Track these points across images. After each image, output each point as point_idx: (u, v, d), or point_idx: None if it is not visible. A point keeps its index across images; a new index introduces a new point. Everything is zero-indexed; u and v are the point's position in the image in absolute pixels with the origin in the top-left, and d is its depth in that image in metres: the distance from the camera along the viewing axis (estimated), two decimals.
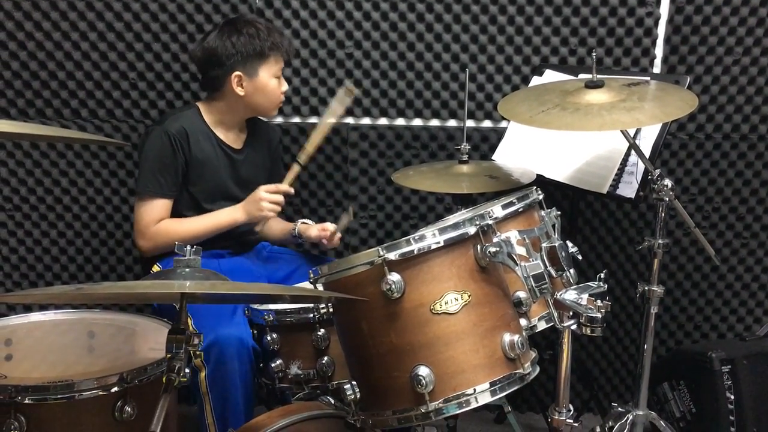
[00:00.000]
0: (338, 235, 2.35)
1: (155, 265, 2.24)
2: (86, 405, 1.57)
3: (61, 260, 2.79)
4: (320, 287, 1.56)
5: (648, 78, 2.16)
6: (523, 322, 1.61)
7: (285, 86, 2.33)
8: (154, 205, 2.21)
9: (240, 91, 2.24)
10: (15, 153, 2.70)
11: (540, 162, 2.35)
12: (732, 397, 2.35)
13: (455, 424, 2.11)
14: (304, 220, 2.45)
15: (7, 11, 2.59)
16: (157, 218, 2.21)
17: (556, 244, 1.57)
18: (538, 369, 1.55)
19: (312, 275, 1.57)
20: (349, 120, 2.69)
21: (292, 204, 2.71)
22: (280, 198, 2.25)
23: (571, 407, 1.62)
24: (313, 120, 2.70)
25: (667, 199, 2.03)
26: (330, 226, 2.36)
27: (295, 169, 2.31)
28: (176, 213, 2.26)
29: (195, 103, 2.35)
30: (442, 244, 1.46)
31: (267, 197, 2.22)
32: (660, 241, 2.09)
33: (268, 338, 1.95)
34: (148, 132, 2.26)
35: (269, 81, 2.27)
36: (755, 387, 2.38)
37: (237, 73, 2.22)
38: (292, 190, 2.29)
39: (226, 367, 1.94)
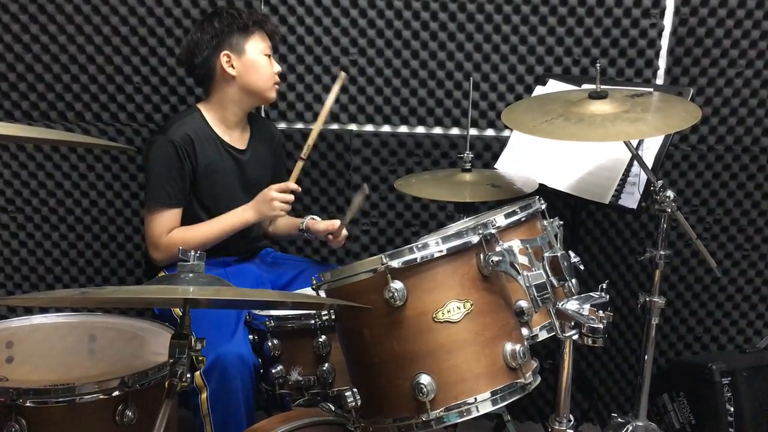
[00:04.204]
0: (344, 232, 2.34)
1: (161, 272, 2.24)
2: (87, 409, 1.57)
3: (62, 263, 2.79)
4: (323, 294, 1.56)
5: (651, 89, 2.17)
6: (524, 331, 1.61)
7: (277, 67, 2.33)
8: (164, 216, 2.20)
9: (231, 71, 2.24)
10: (18, 155, 2.70)
11: (542, 171, 2.35)
12: (732, 409, 2.35)
13: None
14: (312, 216, 2.45)
15: (13, 14, 2.60)
16: (168, 228, 2.21)
17: (559, 254, 1.57)
18: (539, 379, 1.55)
19: (315, 282, 1.57)
20: (352, 127, 2.70)
21: (295, 210, 2.71)
22: (291, 197, 2.25)
23: (571, 417, 1.62)
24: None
25: (669, 210, 2.03)
26: (337, 222, 2.35)
27: (299, 165, 2.31)
28: (188, 220, 2.25)
29: (196, 105, 2.35)
30: (445, 252, 1.47)
31: (278, 196, 2.22)
32: (662, 252, 2.09)
33: (269, 344, 1.95)
34: (152, 141, 2.24)
35: (258, 57, 2.27)
36: (755, 399, 2.38)
37: (225, 52, 2.23)
38: (299, 188, 2.29)
39: (228, 386, 1.93)
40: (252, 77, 2.27)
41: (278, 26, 2.53)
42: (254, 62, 2.26)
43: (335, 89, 2.36)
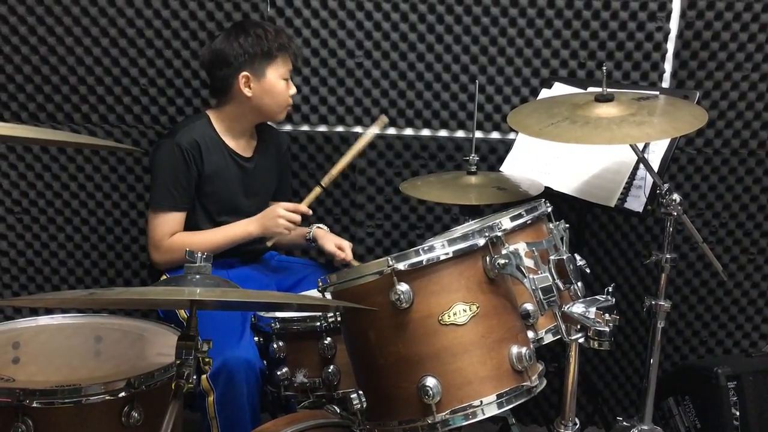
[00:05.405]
0: (351, 256, 2.37)
1: (163, 275, 2.25)
2: (93, 410, 1.58)
3: (68, 264, 2.79)
4: (328, 296, 1.57)
5: (657, 92, 2.17)
6: (530, 334, 1.61)
7: (293, 89, 2.33)
8: (168, 219, 2.21)
9: (248, 92, 2.24)
10: (25, 156, 2.71)
11: (548, 174, 2.35)
12: (737, 413, 2.34)
13: None
14: (319, 225, 2.46)
15: (21, 16, 2.61)
16: (171, 232, 2.21)
17: (565, 257, 1.58)
18: (545, 382, 1.55)
19: (320, 284, 1.58)
20: (358, 129, 2.70)
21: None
22: (297, 218, 2.26)
23: (576, 421, 1.61)
24: (321, 129, 2.71)
25: (675, 213, 2.02)
26: (347, 249, 2.36)
27: (317, 191, 2.34)
28: (190, 225, 2.26)
29: (205, 111, 2.36)
30: (451, 255, 1.47)
31: (285, 215, 2.23)
32: (667, 256, 2.09)
33: (275, 346, 1.95)
34: (159, 144, 2.26)
35: (277, 82, 2.27)
36: (761, 403, 2.37)
37: (245, 73, 2.22)
38: (310, 212, 2.31)
39: (234, 391, 1.94)
40: (266, 101, 2.27)
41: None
42: (272, 87, 2.26)
43: (373, 130, 2.42)
